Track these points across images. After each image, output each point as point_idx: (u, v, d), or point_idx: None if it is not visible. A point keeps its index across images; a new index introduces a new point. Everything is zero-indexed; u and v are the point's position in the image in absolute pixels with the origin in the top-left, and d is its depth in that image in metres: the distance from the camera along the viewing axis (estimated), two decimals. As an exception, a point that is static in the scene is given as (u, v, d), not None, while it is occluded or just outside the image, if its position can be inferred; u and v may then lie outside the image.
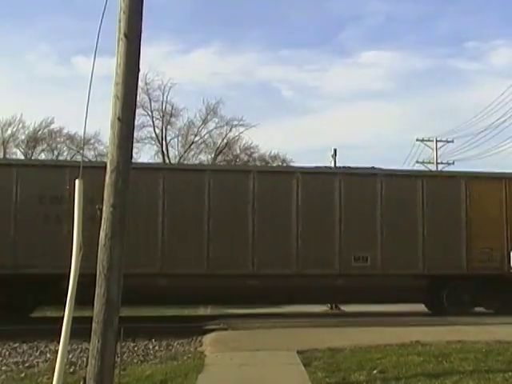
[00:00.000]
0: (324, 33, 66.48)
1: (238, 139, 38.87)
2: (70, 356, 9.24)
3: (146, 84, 35.78)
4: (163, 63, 56.58)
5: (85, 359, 8.30)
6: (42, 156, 39.78)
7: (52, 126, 40.47)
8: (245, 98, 57.94)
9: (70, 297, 6.02)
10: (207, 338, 10.92)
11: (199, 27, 60.79)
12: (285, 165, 36.01)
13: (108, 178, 6.15)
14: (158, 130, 37.96)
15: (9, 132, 41.58)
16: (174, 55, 59.45)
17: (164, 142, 37.95)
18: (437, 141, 35.78)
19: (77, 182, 6.28)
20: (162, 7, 50.08)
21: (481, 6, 68.16)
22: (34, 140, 40.86)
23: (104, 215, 6.13)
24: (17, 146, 41.73)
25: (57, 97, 54.93)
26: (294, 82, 62.18)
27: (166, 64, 54.34)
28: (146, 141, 37.43)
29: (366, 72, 61.80)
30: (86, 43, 54.61)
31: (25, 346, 10.48)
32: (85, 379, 5.99)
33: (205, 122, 38.66)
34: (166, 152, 37.61)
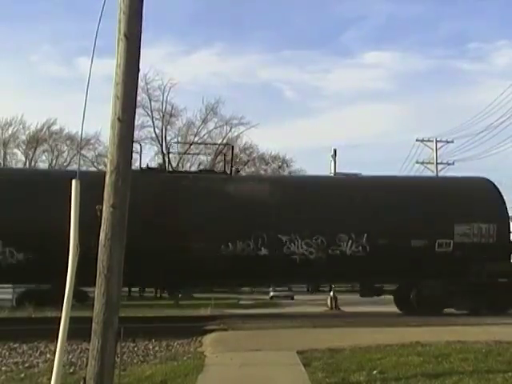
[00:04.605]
0: (326, 34, 66.68)
1: (237, 139, 38.84)
2: (70, 356, 9.24)
3: (146, 84, 35.79)
4: (165, 64, 56.72)
5: (85, 359, 8.28)
6: (43, 157, 39.77)
7: (53, 127, 40.52)
8: (246, 98, 58.04)
9: (67, 297, 6.01)
10: (207, 339, 10.90)
11: (202, 29, 60.95)
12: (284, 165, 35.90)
13: (108, 178, 6.16)
14: (157, 130, 37.96)
15: (9, 132, 41.62)
16: (176, 56, 59.56)
17: (164, 142, 37.94)
18: (437, 141, 35.77)
19: (73, 182, 6.27)
20: (164, 9, 50.18)
21: (483, 6, 68.25)
22: (34, 140, 40.89)
23: (104, 215, 6.14)
24: (17, 147, 41.76)
25: (58, 97, 55.01)
26: (295, 83, 62.34)
27: (168, 65, 54.56)
28: (147, 141, 37.43)
29: (367, 73, 62.07)
30: (88, 44, 54.66)
31: (25, 346, 10.46)
32: (85, 379, 5.99)
33: (204, 121, 38.67)
34: (166, 152, 37.53)
